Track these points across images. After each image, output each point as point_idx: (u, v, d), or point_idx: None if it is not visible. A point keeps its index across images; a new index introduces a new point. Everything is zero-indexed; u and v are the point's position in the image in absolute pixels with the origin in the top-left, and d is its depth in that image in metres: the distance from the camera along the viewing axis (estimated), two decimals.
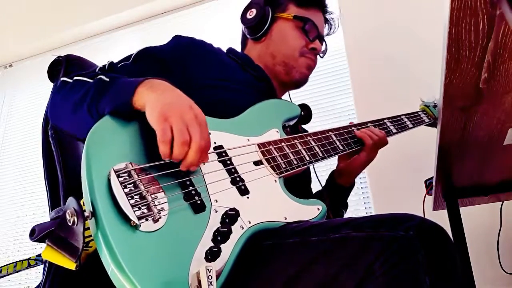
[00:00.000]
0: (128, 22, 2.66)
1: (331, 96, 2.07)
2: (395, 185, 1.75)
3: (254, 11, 1.15)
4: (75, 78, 0.85)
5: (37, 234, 0.70)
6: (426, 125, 1.29)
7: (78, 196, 0.65)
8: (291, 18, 1.16)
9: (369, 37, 2.02)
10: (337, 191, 1.14)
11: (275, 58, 1.16)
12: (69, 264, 0.63)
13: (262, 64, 1.16)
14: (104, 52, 2.67)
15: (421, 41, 1.88)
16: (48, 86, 1.06)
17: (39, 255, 0.91)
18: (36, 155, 2.11)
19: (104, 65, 0.91)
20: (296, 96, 1.80)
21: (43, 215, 2.45)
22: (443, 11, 0.56)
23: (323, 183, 1.17)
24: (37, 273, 2.32)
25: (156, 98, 0.71)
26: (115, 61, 0.96)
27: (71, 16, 2.69)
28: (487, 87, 0.69)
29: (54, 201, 0.99)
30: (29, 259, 0.94)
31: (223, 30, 2.24)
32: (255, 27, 1.16)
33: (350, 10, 2.08)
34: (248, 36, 1.20)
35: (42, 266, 0.84)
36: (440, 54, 0.65)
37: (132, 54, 0.96)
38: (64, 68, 1.08)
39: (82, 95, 0.79)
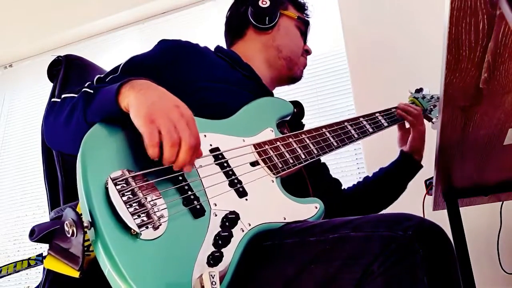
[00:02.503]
0: (128, 22, 2.66)
1: (331, 96, 2.06)
2: None
3: (267, 1, 1.14)
4: (63, 96, 0.84)
5: (37, 234, 0.70)
6: None
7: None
8: (296, 18, 1.20)
9: (369, 37, 2.02)
10: (414, 167, 1.21)
11: (281, 52, 1.17)
12: (73, 272, 0.62)
13: (263, 56, 1.16)
14: (104, 52, 2.67)
15: (421, 41, 1.88)
16: (48, 86, 1.06)
17: (39, 255, 0.91)
18: (36, 155, 2.11)
19: (92, 81, 0.89)
20: (296, 96, 1.81)
21: (43, 215, 2.45)
22: (443, 11, 0.56)
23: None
24: (37, 273, 2.32)
25: (138, 99, 0.69)
26: (112, 67, 0.94)
27: (71, 16, 2.69)
28: (487, 87, 0.69)
29: (54, 201, 0.99)
30: (29, 259, 0.93)
31: (222, 30, 2.24)
32: (265, 18, 1.15)
33: (350, 10, 2.08)
34: (256, 24, 1.16)
35: (42, 266, 0.84)
36: (440, 53, 0.64)
37: (119, 65, 0.94)
38: (64, 68, 1.08)
39: (70, 110, 0.78)
